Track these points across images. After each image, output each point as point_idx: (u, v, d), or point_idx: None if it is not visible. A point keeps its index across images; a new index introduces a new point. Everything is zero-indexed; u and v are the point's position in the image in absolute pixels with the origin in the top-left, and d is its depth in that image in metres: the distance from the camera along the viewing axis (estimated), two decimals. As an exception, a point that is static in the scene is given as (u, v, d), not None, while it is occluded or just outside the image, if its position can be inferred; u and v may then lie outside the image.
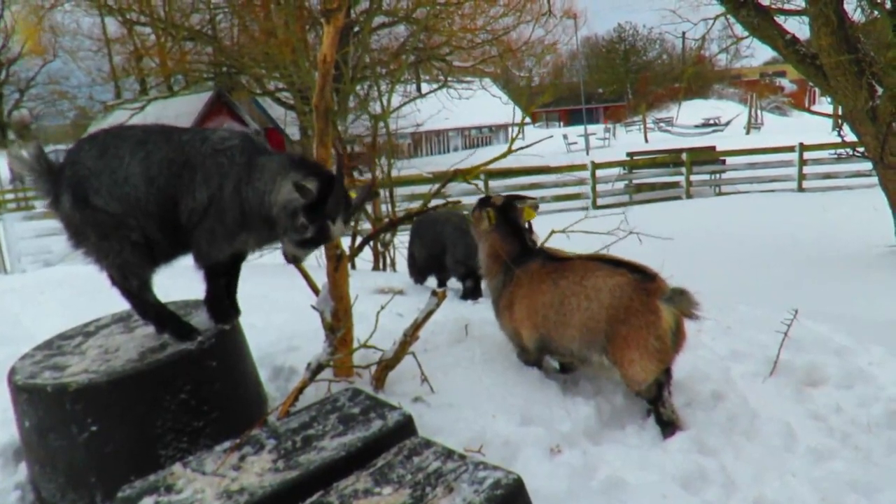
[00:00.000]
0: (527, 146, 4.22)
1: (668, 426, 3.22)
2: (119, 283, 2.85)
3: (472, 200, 4.03)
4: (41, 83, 32.12)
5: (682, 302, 3.10)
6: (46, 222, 12.28)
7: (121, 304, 3.03)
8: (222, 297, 3.02)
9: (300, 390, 3.22)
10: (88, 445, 2.60)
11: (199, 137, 2.78)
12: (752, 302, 5.16)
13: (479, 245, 3.88)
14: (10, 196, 23.27)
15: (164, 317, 2.90)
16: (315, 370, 3.24)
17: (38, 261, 11.17)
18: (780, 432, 3.23)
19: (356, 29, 17.74)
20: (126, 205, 2.66)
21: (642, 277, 3.24)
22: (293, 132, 24.77)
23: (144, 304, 2.89)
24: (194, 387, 2.76)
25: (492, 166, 4.22)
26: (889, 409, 3.44)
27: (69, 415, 2.58)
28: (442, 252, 6.04)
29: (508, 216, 3.75)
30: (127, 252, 2.73)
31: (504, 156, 4.02)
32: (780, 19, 8.23)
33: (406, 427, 2.62)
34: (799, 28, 8.57)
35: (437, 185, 4.71)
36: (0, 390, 2.93)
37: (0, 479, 2.94)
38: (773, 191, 15.01)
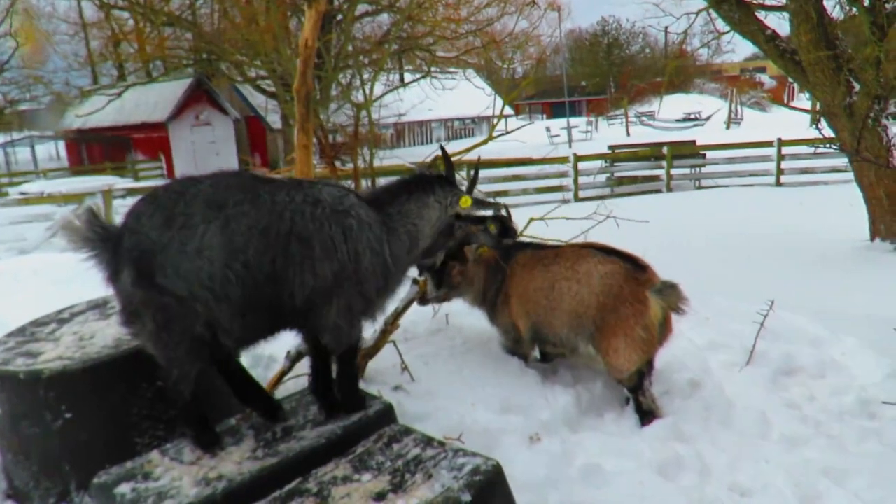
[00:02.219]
0: (508, 132, 4.23)
1: (648, 415, 3.25)
2: (162, 369, 2.36)
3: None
4: (15, 67, 31.34)
5: (672, 295, 3.13)
6: (21, 209, 12.05)
7: (96, 292, 2.98)
8: (357, 383, 2.66)
9: (279, 379, 3.21)
10: (62, 433, 2.56)
11: (304, 197, 2.32)
12: (729, 293, 5.22)
13: (468, 293, 3.75)
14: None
15: (190, 417, 2.43)
16: (294, 358, 3.22)
17: (13, 249, 10.93)
18: (755, 420, 3.29)
19: (339, 17, 17.58)
20: (195, 285, 2.17)
21: (634, 267, 3.28)
22: (274, 120, 24.52)
23: (177, 396, 2.40)
24: (171, 374, 2.72)
25: (474, 157, 4.21)
26: (860, 398, 3.52)
27: (43, 402, 2.54)
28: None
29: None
30: (182, 348, 2.26)
31: (485, 142, 4.02)
32: (761, 15, 8.31)
33: (386, 415, 2.62)
34: (779, 24, 8.66)
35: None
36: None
37: (-29, 468, 2.88)
38: (751, 185, 15.18)
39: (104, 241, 2.17)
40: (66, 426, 2.55)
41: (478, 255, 3.63)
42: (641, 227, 4.74)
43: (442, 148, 2.97)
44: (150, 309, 2.19)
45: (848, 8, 7.88)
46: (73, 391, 2.56)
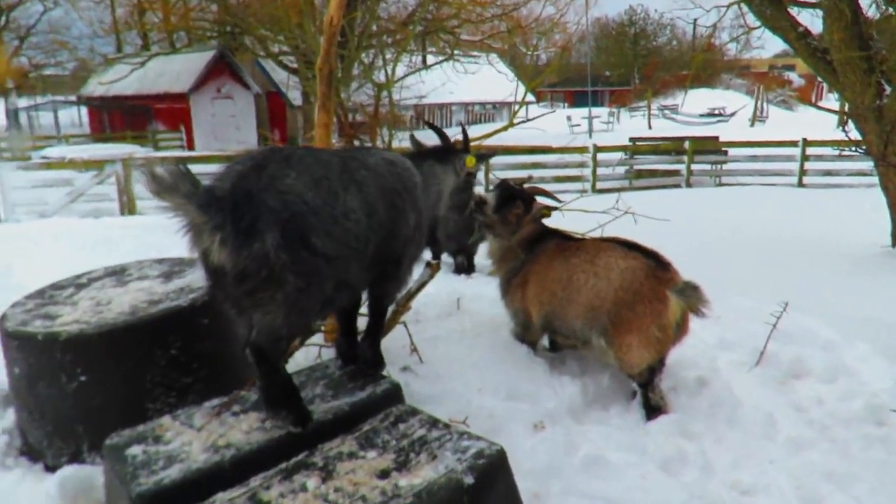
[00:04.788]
0: (528, 120, 4.21)
1: (654, 410, 3.25)
2: (263, 344, 2.20)
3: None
4: (41, 31, 31.52)
5: (693, 297, 3.07)
6: (41, 173, 12.19)
7: (115, 258, 3.03)
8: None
9: (290, 354, 3.24)
10: (77, 395, 2.62)
11: (382, 159, 2.64)
12: (743, 293, 5.18)
13: (500, 236, 3.76)
14: (4, 145, 23.00)
15: (288, 394, 2.35)
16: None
17: (33, 212, 11.09)
18: (761, 421, 3.28)
19: (365, -5, 17.43)
20: (343, 245, 2.23)
21: (656, 264, 3.24)
22: (295, 97, 24.50)
23: (274, 375, 2.29)
24: (185, 343, 2.77)
25: (494, 143, 4.20)
26: (869, 404, 3.49)
27: (59, 364, 2.59)
28: (434, 226, 6.03)
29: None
30: (317, 307, 2.28)
31: (506, 128, 4.00)
32: (793, 11, 8.14)
33: (393, 395, 2.65)
34: (812, 21, 8.49)
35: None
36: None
37: (-12, 424, 2.96)
38: (773, 184, 14.97)
39: (212, 199, 1.93)
40: (80, 388, 2.61)
41: (539, 213, 3.65)
42: (658, 221, 4.71)
43: (463, 129, 3.46)
44: (296, 271, 2.08)
45: (884, 7, 7.70)
46: (88, 355, 2.61)
